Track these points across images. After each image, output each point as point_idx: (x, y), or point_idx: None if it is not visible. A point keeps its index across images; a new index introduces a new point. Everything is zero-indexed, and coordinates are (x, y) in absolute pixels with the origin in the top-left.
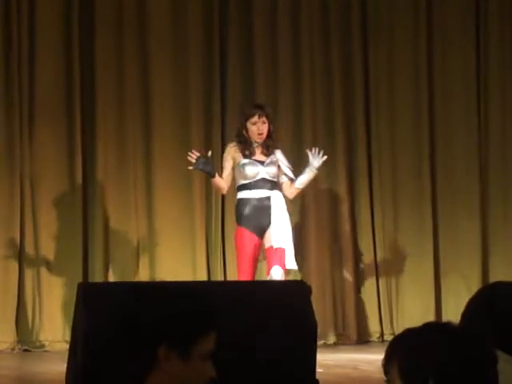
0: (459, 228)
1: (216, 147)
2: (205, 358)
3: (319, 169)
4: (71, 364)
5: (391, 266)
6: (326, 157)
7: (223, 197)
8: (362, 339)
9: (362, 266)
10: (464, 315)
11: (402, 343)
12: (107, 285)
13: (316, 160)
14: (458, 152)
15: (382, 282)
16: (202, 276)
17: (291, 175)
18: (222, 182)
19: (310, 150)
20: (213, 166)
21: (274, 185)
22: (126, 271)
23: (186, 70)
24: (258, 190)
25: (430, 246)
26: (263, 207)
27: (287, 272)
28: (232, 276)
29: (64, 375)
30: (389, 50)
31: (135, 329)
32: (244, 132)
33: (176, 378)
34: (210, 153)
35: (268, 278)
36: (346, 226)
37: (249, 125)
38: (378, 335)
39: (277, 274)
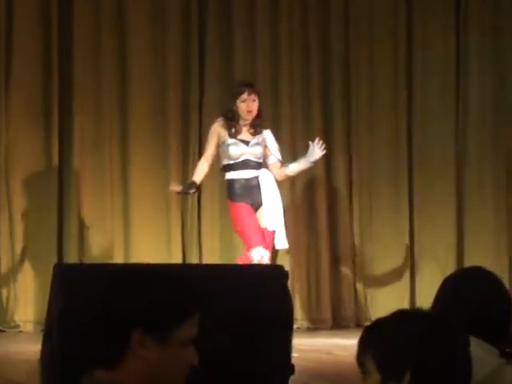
0: (435, 213)
1: (194, 133)
2: (185, 344)
3: (316, 162)
4: (46, 344)
5: (367, 252)
6: (325, 151)
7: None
8: (338, 324)
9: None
10: (436, 300)
11: (376, 334)
12: (83, 266)
13: (315, 153)
14: (434, 138)
15: (357, 266)
16: (177, 260)
17: (279, 156)
18: (204, 168)
19: (313, 142)
20: (192, 183)
21: (259, 165)
22: (101, 254)
23: (164, 50)
24: (245, 171)
25: (405, 230)
26: (253, 186)
27: (273, 254)
28: (207, 260)
29: (38, 355)
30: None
31: (109, 311)
32: (234, 109)
33: (152, 365)
34: (190, 180)
35: (248, 254)
36: (323, 212)
37: (238, 102)
38: (353, 320)
39: (258, 254)
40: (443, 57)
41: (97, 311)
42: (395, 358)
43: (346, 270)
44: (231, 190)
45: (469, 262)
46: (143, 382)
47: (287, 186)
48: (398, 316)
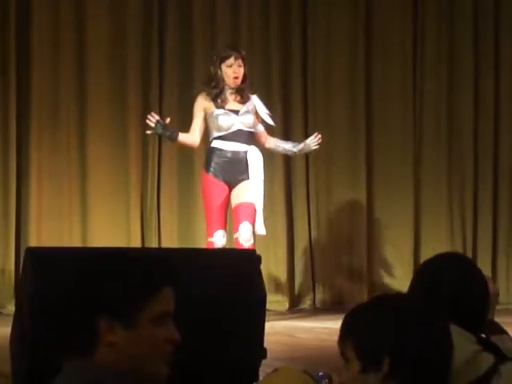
0: (393, 204)
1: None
2: (158, 322)
3: (300, 155)
4: (16, 326)
5: (326, 238)
6: (318, 146)
7: (159, 159)
8: (294, 306)
9: None
10: (412, 286)
11: (354, 321)
12: (55, 250)
13: (308, 146)
14: (393, 137)
15: (315, 250)
16: (136, 244)
17: (270, 121)
18: (190, 136)
19: (312, 135)
20: (173, 131)
21: (251, 136)
22: (59, 238)
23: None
24: (234, 143)
25: (364, 221)
26: (238, 160)
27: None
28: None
29: (6, 338)
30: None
31: (75, 298)
32: (217, 76)
33: (124, 350)
34: (168, 120)
35: (236, 236)
36: (282, 204)
37: (224, 67)
38: (309, 302)
39: (245, 230)
40: (401, 60)
41: (64, 297)
42: (373, 346)
43: (303, 254)
44: (209, 158)
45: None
46: (120, 368)
47: None
48: (376, 302)
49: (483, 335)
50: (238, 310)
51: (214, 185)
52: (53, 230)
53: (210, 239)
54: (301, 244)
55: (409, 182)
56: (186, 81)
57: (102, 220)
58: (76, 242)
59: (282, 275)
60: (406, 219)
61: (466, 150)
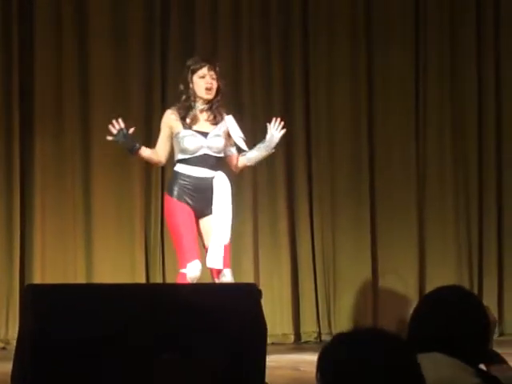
0: (397, 230)
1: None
2: None
3: (277, 146)
4: (17, 363)
5: (329, 267)
6: (284, 130)
7: (162, 191)
8: (300, 339)
9: None
10: (413, 318)
11: (321, 358)
12: (55, 286)
13: (274, 137)
14: (396, 160)
15: (319, 283)
16: (141, 279)
17: (244, 147)
18: (155, 154)
19: (270, 123)
20: (134, 143)
21: (219, 162)
22: (63, 273)
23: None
24: (200, 168)
25: (367, 247)
26: (204, 189)
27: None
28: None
29: (5, 375)
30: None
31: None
32: (188, 89)
33: None
34: (131, 130)
35: (216, 281)
36: (284, 227)
37: (195, 79)
38: (315, 335)
39: (228, 276)
40: (402, 74)
41: (73, 334)
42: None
43: (307, 286)
44: (174, 183)
45: (430, 280)
46: None
47: (249, 195)
48: (340, 339)
49: (483, 366)
50: (239, 347)
51: (180, 209)
52: (57, 266)
53: (183, 270)
54: (305, 276)
55: (412, 213)
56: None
57: (107, 255)
58: (80, 279)
59: (287, 308)
60: (411, 255)
61: (471, 178)
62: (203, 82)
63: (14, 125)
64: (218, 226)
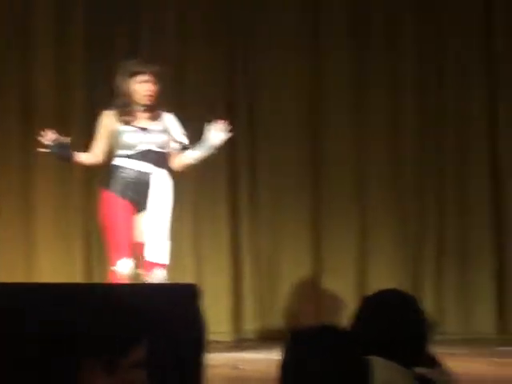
0: (337, 227)
1: None
2: (133, 368)
3: (219, 147)
4: None
5: (270, 264)
6: (229, 133)
7: None
8: (239, 337)
9: None
10: (354, 320)
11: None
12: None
13: (216, 136)
14: (334, 157)
15: (260, 280)
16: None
17: (186, 142)
18: (90, 157)
19: (214, 122)
20: (70, 151)
21: (161, 157)
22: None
23: None
24: (139, 162)
25: (309, 244)
26: (143, 183)
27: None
28: None
29: None
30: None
31: (56, 339)
32: (124, 92)
33: None
34: (69, 139)
35: (146, 279)
36: (225, 224)
37: (134, 83)
38: (255, 334)
39: (123, 267)
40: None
41: (39, 338)
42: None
43: (248, 282)
44: (115, 178)
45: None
46: None
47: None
48: (294, 336)
49: (420, 369)
50: (177, 349)
51: (117, 204)
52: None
53: (114, 268)
54: (246, 273)
55: (353, 211)
56: None
57: (47, 252)
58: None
59: (227, 306)
60: (351, 253)
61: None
62: (143, 88)
63: None
64: (157, 221)
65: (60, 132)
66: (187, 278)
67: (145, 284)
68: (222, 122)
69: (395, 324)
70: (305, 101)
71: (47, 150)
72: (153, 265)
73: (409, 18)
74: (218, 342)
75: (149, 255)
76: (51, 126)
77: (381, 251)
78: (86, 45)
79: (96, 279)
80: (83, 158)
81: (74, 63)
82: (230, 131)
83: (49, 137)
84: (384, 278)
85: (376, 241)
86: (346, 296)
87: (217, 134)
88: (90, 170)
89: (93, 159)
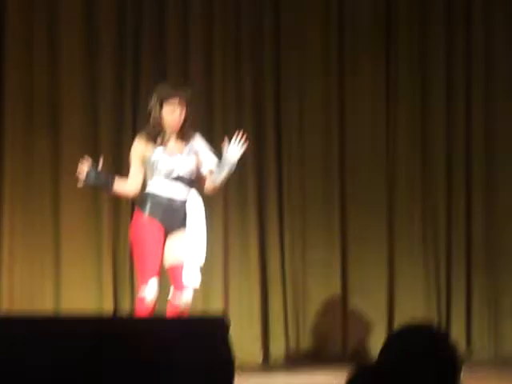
0: (367, 250)
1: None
2: None
3: (237, 162)
4: None
5: (298, 286)
6: (245, 145)
7: (133, 208)
8: (268, 360)
9: None
10: (381, 355)
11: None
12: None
13: (233, 152)
14: (366, 180)
15: (289, 302)
16: (109, 304)
17: (213, 166)
18: (127, 185)
19: (229, 141)
20: (107, 178)
21: (192, 181)
22: (31, 298)
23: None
24: (172, 189)
25: (338, 266)
26: (176, 207)
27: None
28: None
29: None
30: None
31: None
32: (156, 116)
33: None
34: (101, 160)
35: (172, 299)
36: (254, 246)
37: (164, 109)
38: (284, 356)
39: (186, 297)
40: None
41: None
42: None
43: (277, 306)
44: (147, 201)
45: (399, 300)
46: None
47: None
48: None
49: None
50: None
51: (150, 226)
52: (25, 287)
53: (141, 295)
54: (275, 296)
55: (383, 233)
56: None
57: (75, 274)
58: (48, 297)
59: (256, 328)
60: (380, 275)
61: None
62: (172, 114)
63: None
64: (194, 246)
65: (89, 152)
66: (214, 300)
67: (172, 318)
68: (241, 135)
69: (424, 364)
70: (331, 113)
71: (86, 184)
72: (183, 287)
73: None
74: (246, 365)
75: (183, 278)
76: (79, 145)
77: (410, 273)
78: (114, 64)
79: (125, 304)
80: (122, 187)
81: (104, 82)
82: (245, 143)
83: (85, 169)
84: (412, 300)
85: (405, 262)
86: (374, 318)
87: (232, 151)
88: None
89: (132, 189)
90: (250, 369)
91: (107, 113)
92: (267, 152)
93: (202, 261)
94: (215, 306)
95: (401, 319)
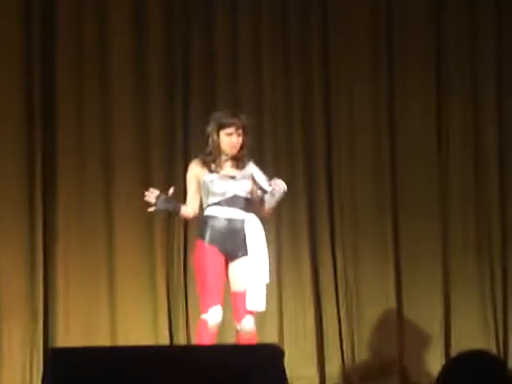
0: (421, 269)
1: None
2: None
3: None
4: None
5: (352, 303)
6: (283, 189)
7: (186, 236)
8: (324, 381)
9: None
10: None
11: None
12: (76, 351)
13: (274, 197)
14: (419, 189)
15: (344, 325)
16: (164, 335)
17: (268, 189)
18: (188, 208)
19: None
20: (175, 203)
21: (248, 203)
22: (86, 333)
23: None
24: (230, 209)
25: (391, 281)
26: (235, 230)
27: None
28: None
29: None
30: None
31: None
32: (214, 143)
33: None
34: (171, 190)
35: (238, 328)
36: (307, 268)
37: (222, 135)
38: (341, 377)
39: (248, 324)
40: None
41: None
42: None
43: (332, 329)
44: (203, 226)
45: (455, 320)
46: None
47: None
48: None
49: None
50: None
51: (210, 253)
52: (80, 316)
53: (204, 316)
54: (330, 320)
55: (438, 262)
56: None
57: (129, 302)
58: (104, 330)
59: (311, 348)
60: (435, 305)
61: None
62: (230, 139)
63: (36, 177)
64: (256, 267)
65: (140, 170)
66: (269, 322)
67: (228, 345)
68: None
69: None
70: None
71: (155, 208)
72: (247, 312)
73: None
74: None
75: (247, 303)
76: (131, 164)
77: (466, 287)
78: (164, 82)
79: (180, 332)
80: (185, 211)
81: (154, 101)
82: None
83: (154, 194)
84: (469, 316)
85: (461, 275)
86: (430, 333)
87: (273, 195)
88: (169, 222)
89: (192, 212)
90: None
91: (158, 132)
92: (317, 167)
93: (266, 282)
94: (270, 328)
95: (457, 335)
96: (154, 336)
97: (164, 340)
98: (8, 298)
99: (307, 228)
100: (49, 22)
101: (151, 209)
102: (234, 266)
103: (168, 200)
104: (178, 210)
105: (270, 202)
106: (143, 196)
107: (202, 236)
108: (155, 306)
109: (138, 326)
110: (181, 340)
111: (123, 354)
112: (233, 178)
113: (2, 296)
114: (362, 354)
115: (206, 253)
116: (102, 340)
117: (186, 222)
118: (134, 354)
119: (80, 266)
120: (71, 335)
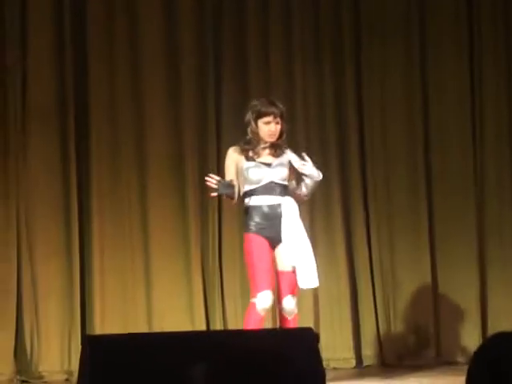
0: (456, 249)
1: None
2: None
3: (317, 172)
4: None
5: (387, 283)
6: (309, 162)
7: (220, 231)
8: (361, 363)
9: None
10: (469, 375)
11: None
12: (112, 338)
13: (306, 168)
14: (454, 168)
15: (379, 306)
16: (200, 319)
17: (306, 171)
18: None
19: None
20: (233, 188)
21: (285, 189)
22: (123, 317)
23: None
24: (268, 196)
25: (427, 267)
26: (275, 216)
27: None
28: (231, 319)
29: None
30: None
31: None
32: (252, 131)
33: None
34: (232, 180)
35: (279, 308)
36: (341, 251)
37: (260, 123)
38: (376, 359)
39: (289, 304)
40: (457, 78)
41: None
42: None
43: (367, 310)
44: (248, 219)
45: (492, 306)
46: None
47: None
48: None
49: None
50: None
51: (257, 242)
52: (116, 307)
53: (253, 300)
54: (365, 302)
55: (471, 222)
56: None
57: (165, 287)
58: (142, 321)
59: (347, 330)
60: (471, 284)
61: None
62: (268, 127)
63: (71, 160)
64: (298, 248)
65: (174, 160)
66: (305, 306)
67: (263, 330)
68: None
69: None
70: (415, 108)
71: (217, 193)
72: (289, 292)
73: None
74: (339, 371)
75: (300, 282)
76: (164, 154)
77: (502, 265)
78: (196, 72)
79: (217, 316)
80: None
81: (186, 91)
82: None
83: (215, 179)
84: (505, 294)
85: (497, 253)
86: (466, 311)
87: (306, 167)
88: (203, 205)
89: (235, 198)
90: (344, 374)
91: (191, 121)
92: (351, 151)
93: (312, 258)
94: (306, 313)
95: (493, 313)
96: (190, 320)
97: (200, 324)
98: (45, 283)
99: (341, 212)
100: (79, 14)
101: (213, 194)
102: (279, 249)
103: (228, 185)
104: (235, 195)
105: (307, 186)
106: (177, 182)
107: (247, 229)
108: (191, 289)
109: (174, 310)
110: (217, 324)
111: (161, 339)
112: (268, 165)
113: (40, 281)
114: (399, 335)
115: (252, 242)
116: (139, 323)
117: (220, 206)
118: (170, 340)
119: (115, 250)
120: (107, 319)
